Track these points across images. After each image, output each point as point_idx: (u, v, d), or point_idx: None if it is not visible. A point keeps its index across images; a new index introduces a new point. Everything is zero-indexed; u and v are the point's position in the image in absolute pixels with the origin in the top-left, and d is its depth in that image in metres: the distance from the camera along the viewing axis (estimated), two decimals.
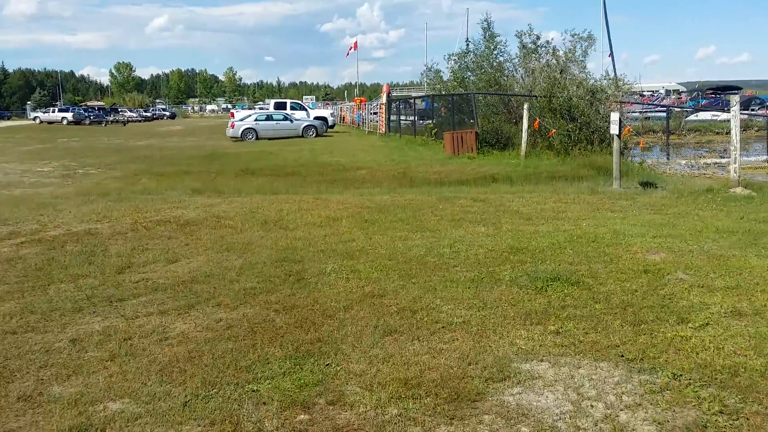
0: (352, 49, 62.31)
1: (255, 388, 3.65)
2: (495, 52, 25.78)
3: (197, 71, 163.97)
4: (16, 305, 5.27)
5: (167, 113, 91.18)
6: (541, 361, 4.01)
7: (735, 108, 11.71)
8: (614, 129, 12.48)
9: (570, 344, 4.25)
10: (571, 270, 5.93)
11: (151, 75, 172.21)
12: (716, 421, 3.24)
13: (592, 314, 4.78)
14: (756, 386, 3.58)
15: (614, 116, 12.59)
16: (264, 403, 3.47)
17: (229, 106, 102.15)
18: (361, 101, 51.64)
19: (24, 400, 3.61)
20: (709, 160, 21.26)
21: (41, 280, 5.98)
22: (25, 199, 11.82)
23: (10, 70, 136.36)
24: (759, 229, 7.74)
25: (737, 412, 3.32)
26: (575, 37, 21.96)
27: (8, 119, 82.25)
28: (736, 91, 51.75)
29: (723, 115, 35.68)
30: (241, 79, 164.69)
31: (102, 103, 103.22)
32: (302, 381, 3.72)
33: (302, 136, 34.03)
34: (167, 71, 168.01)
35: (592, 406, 3.43)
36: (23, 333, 4.66)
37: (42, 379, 3.87)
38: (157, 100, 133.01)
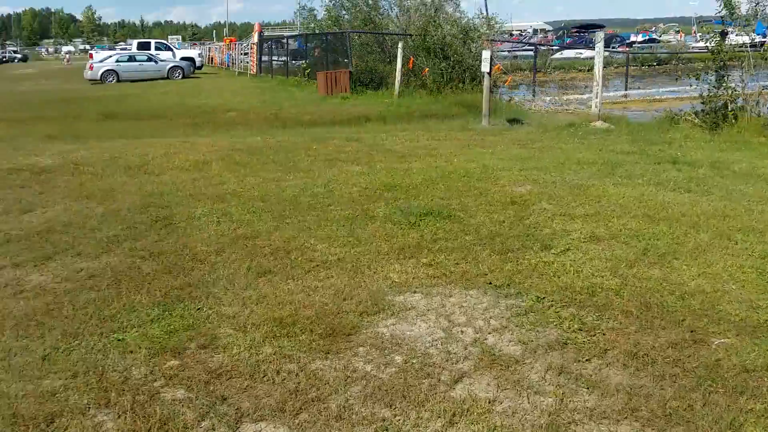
0: None
1: (120, 337, 3.48)
2: None
3: (53, 10, 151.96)
4: None
5: (18, 56, 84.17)
6: (414, 292, 4.08)
7: (599, 45, 12.22)
8: (485, 67, 12.71)
9: (441, 275, 4.34)
10: (443, 204, 6.05)
11: (1, 15, 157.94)
12: (576, 338, 3.43)
13: (462, 246, 4.91)
14: (611, 304, 3.82)
15: (485, 54, 12.80)
16: (131, 352, 3.32)
17: (88, 47, 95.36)
18: (231, 41, 49.80)
19: None
20: (571, 97, 22.29)
21: None
22: None
23: None
24: (616, 159, 8.21)
25: (594, 328, 3.53)
26: None
27: None
28: (599, 29, 54.09)
29: (586, 53, 37.29)
30: (100, 19, 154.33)
31: None
32: (171, 327, 3.58)
33: (168, 78, 32.56)
34: (19, 11, 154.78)
35: (462, 331, 3.54)
36: None
37: None
38: (7, 42, 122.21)
